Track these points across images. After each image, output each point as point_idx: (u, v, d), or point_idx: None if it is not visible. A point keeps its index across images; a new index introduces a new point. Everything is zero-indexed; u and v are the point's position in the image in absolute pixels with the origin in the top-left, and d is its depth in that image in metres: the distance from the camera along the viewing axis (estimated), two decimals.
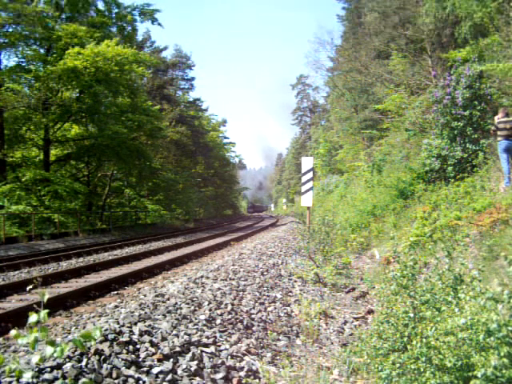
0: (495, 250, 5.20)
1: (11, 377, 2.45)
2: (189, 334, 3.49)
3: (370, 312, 5.18)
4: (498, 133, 8.14)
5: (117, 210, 27.30)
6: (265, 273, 7.02)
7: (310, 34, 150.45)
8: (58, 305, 6.28)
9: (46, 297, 2.31)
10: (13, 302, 6.73)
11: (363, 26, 23.31)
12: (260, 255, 9.13)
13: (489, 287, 2.30)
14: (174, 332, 3.49)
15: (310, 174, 11.83)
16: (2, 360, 2.16)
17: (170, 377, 2.75)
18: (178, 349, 3.14)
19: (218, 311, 4.33)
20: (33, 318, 2.20)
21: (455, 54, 12.37)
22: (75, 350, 2.80)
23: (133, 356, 2.89)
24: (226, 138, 58.58)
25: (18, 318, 5.60)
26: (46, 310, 2.25)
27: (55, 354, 2.18)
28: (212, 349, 3.36)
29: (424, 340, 2.35)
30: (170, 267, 10.18)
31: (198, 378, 2.85)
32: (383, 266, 7.16)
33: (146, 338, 3.20)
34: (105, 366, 2.65)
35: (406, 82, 17.54)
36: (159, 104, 32.68)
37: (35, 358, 2.24)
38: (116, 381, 2.56)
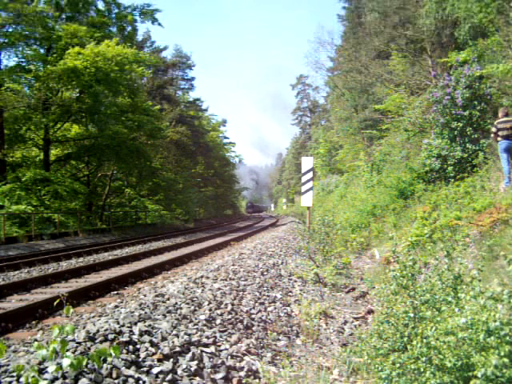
0: (495, 249, 5.20)
1: (11, 377, 2.46)
2: (189, 334, 3.49)
3: (370, 312, 5.18)
4: (499, 133, 8.12)
5: (117, 210, 27.30)
6: (265, 273, 7.02)
7: (310, 34, 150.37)
8: (57, 305, 6.27)
9: (71, 311, 2.72)
10: (13, 302, 6.74)
11: (363, 25, 23.28)
12: (260, 255, 9.13)
13: (489, 287, 2.31)
14: (174, 332, 3.49)
15: (310, 174, 11.82)
16: (21, 367, 2.36)
17: (170, 377, 2.75)
18: (178, 349, 3.14)
19: (218, 311, 4.33)
20: (55, 332, 2.45)
21: (455, 55, 12.36)
22: (75, 350, 2.80)
23: (133, 356, 2.89)
24: (225, 137, 58.72)
25: (17, 319, 5.61)
26: (71, 326, 2.47)
27: (68, 368, 2.34)
28: (212, 349, 3.36)
29: (424, 340, 2.35)
30: (170, 267, 10.18)
31: (198, 378, 2.85)
32: (383, 266, 7.16)
33: (146, 337, 3.20)
34: (105, 366, 2.64)
35: (406, 82, 17.53)
36: (159, 104, 32.69)
37: (51, 368, 2.41)
38: (116, 381, 2.56)
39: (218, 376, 2.96)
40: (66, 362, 2.39)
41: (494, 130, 8.21)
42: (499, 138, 8.11)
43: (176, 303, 4.41)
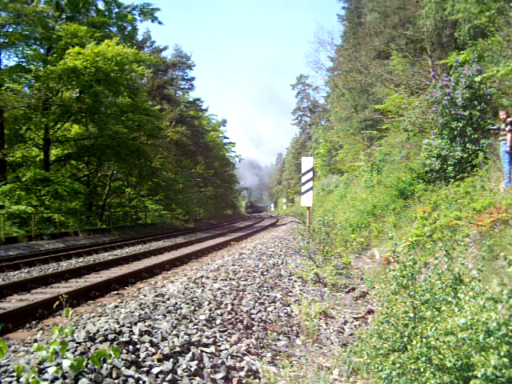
0: (495, 250, 5.20)
1: (11, 377, 2.46)
2: (189, 334, 3.49)
3: (370, 312, 5.18)
4: (501, 132, 8.08)
5: (117, 210, 27.31)
6: (265, 273, 7.02)
7: (310, 34, 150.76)
8: (57, 305, 6.27)
9: (71, 312, 2.72)
10: (13, 302, 6.74)
11: (363, 25, 23.30)
12: (260, 255, 9.13)
13: (488, 287, 2.31)
14: (174, 332, 3.49)
15: (310, 174, 11.82)
16: (22, 368, 2.40)
17: (170, 377, 2.75)
18: (178, 349, 3.14)
19: (218, 311, 4.33)
20: (55, 334, 2.56)
21: (454, 55, 12.35)
22: (75, 350, 2.80)
23: (133, 356, 2.89)
24: (225, 137, 58.74)
25: (17, 319, 5.61)
26: (71, 328, 2.50)
27: (69, 369, 2.36)
28: (212, 349, 3.36)
29: (424, 340, 2.35)
30: (170, 267, 10.18)
31: (198, 378, 2.85)
32: (383, 266, 7.16)
33: (146, 337, 3.20)
34: (105, 366, 2.65)
35: (405, 82, 17.53)
36: (159, 104, 32.68)
37: (52, 369, 2.43)
38: (116, 381, 2.56)
39: (218, 376, 2.96)
40: (66, 364, 2.39)
41: (510, 127, 7.83)
42: (500, 138, 8.09)
43: (176, 303, 4.41)
